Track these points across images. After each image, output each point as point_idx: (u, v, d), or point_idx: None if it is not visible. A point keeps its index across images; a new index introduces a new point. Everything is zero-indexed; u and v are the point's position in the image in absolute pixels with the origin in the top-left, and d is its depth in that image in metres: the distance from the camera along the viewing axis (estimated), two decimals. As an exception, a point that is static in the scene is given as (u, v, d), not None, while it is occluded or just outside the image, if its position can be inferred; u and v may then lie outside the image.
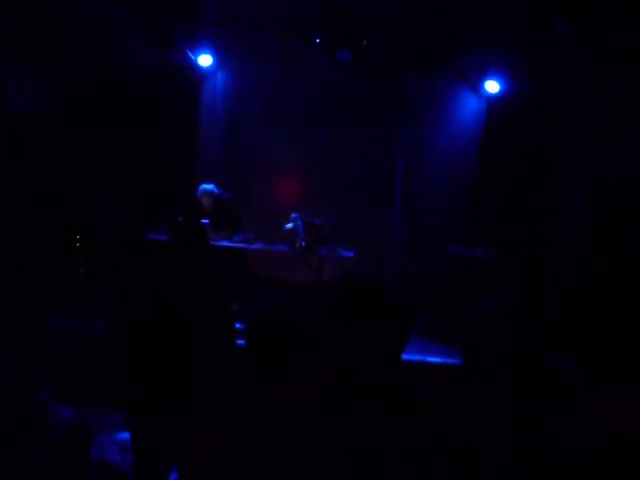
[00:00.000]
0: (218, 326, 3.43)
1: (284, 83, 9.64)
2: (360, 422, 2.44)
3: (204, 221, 8.17)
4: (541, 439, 3.10)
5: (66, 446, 3.42)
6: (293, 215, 8.58)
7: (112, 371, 4.31)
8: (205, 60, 9.19)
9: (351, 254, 8.65)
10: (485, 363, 3.47)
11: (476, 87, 9.62)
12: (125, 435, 3.56)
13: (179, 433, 2.86)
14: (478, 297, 7.74)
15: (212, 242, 8.28)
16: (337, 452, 2.40)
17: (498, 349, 3.54)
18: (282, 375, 2.63)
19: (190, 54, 9.04)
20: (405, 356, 2.84)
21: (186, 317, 3.47)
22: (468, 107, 9.78)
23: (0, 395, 3.54)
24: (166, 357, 3.28)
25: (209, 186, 8.66)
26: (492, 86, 9.34)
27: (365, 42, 8.65)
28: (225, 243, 8.52)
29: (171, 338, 3.36)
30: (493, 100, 9.57)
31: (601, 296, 7.21)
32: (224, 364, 2.94)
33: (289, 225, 8.56)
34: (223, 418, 2.53)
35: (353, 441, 2.43)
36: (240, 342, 3.07)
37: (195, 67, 9.27)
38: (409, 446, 2.54)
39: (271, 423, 2.46)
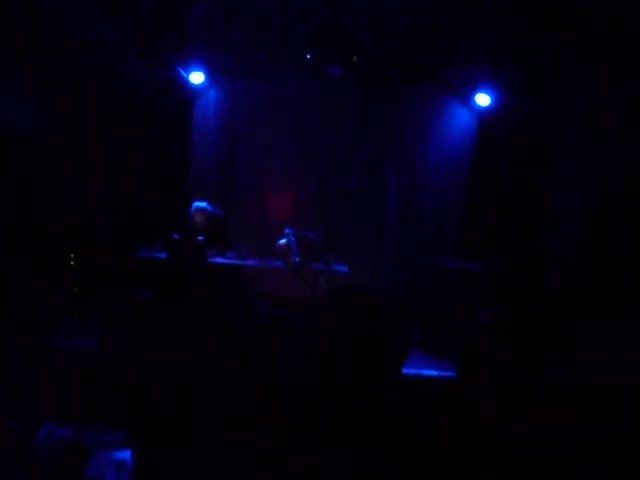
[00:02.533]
0: (220, 337, 3.43)
1: (276, 100, 9.65)
2: (359, 435, 2.43)
3: (199, 238, 8.19)
4: (536, 450, 3.09)
5: (62, 465, 3.40)
6: (286, 230, 8.58)
7: (108, 389, 4.29)
8: (197, 77, 9.21)
9: (345, 269, 8.64)
10: (480, 375, 3.47)
11: (467, 100, 9.66)
12: (121, 454, 3.54)
13: (180, 451, 2.85)
14: (473, 310, 7.74)
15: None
16: (337, 463, 2.40)
17: (493, 361, 3.54)
18: (280, 387, 2.63)
19: (182, 72, 9.06)
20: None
21: (190, 332, 3.47)
22: (460, 120, 9.81)
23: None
24: (172, 373, 3.27)
25: (202, 204, 8.67)
26: (483, 99, 9.38)
27: (356, 58, 8.69)
28: (218, 259, 8.51)
29: (177, 353, 3.36)
30: (484, 113, 9.60)
31: (598, 307, 7.22)
32: (225, 378, 2.94)
33: (283, 241, 8.56)
34: (222, 433, 2.53)
35: (350, 453, 2.43)
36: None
37: (187, 85, 9.28)
38: (407, 458, 2.53)
39: (271, 440, 2.45)
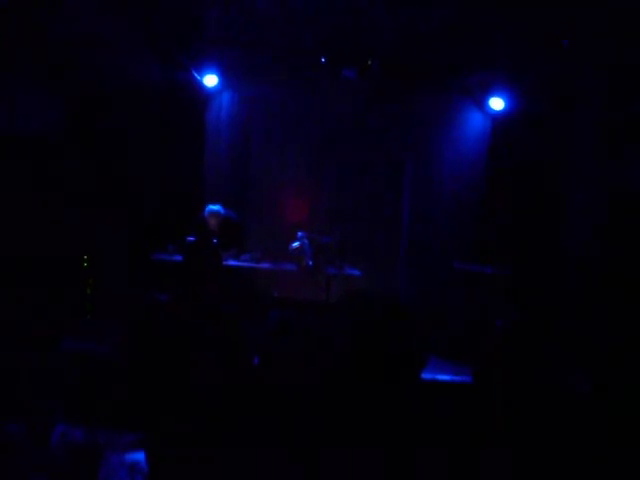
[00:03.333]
0: (232, 343, 3.42)
1: (290, 103, 9.68)
2: (377, 439, 2.42)
3: (214, 241, 8.20)
4: (554, 459, 3.06)
5: (75, 467, 3.40)
6: (299, 234, 8.58)
7: (122, 392, 4.29)
8: (211, 80, 9.23)
9: (358, 273, 8.63)
10: (497, 381, 3.44)
11: (481, 104, 9.65)
12: (134, 456, 3.53)
13: (195, 453, 2.84)
14: (488, 314, 7.72)
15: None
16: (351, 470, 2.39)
17: (510, 367, 3.51)
18: (295, 393, 2.61)
19: (195, 74, 9.08)
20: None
21: (204, 335, 3.47)
22: (474, 124, 9.80)
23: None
24: (185, 374, 3.27)
25: (215, 206, 8.68)
26: (497, 103, 9.37)
27: (370, 61, 8.68)
28: (232, 262, 8.52)
29: (189, 356, 3.35)
30: (498, 117, 9.59)
31: (613, 310, 7.19)
32: (237, 381, 2.93)
33: (296, 244, 8.55)
34: (237, 435, 2.51)
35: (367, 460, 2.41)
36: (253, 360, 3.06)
37: (201, 87, 9.30)
38: (421, 466, 2.52)
39: (286, 443, 2.44)
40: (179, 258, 8.28)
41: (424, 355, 2.68)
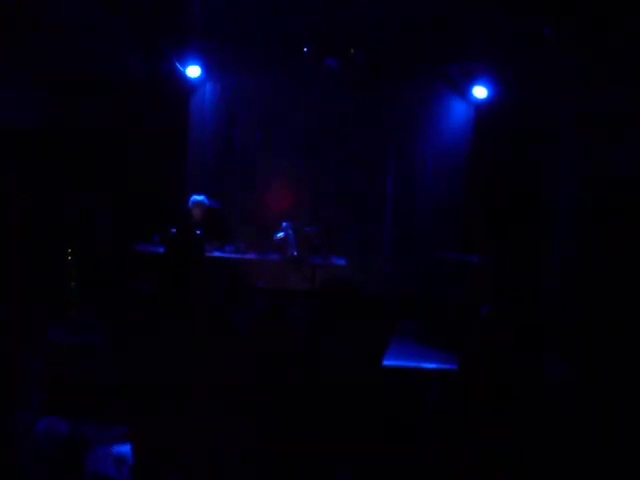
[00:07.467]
0: (217, 330, 3.44)
1: (273, 94, 9.64)
2: (346, 423, 2.43)
3: (198, 232, 8.16)
4: (538, 445, 3.08)
5: (61, 459, 3.39)
6: (284, 224, 8.57)
7: (108, 384, 4.29)
8: (193, 71, 9.18)
9: (343, 262, 8.63)
10: (481, 369, 3.46)
11: (464, 93, 9.64)
12: (120, 448, 3.53)
13: (179, 443, 2.85)
14: (472, 303, 7.74)
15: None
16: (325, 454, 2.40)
17: (494, 355, 3.53)
18: (278, 377, 2.63)
19: (178, 65, 9.03)
20: (400, 362, 2.83)
21: (189, 322, 3.47)
22: (457, 113, 9.80)
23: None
24: (171, 368, 3.27)
25: (200, 197, 8.66)
26: (480, 92, 9.36)
27: (353, 50, 8.67)
28: (216, 253, 8.49)
29: (174, 342, 3.36)
30: (482, 106, 9.59)
31: (598, 298, 7.23)
32: (223, 368, 2.94)
33: (280, 234, 8.54)
34: (220, 424, 2.52)
35: (340, 442, 2.43)
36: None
37: (184, 78, 9.25)
38: (404, 449, 2.53)
39: (265, 427, 2.45)
40: (162, 249, 8.24)
41: (386, 340, 2.69)
